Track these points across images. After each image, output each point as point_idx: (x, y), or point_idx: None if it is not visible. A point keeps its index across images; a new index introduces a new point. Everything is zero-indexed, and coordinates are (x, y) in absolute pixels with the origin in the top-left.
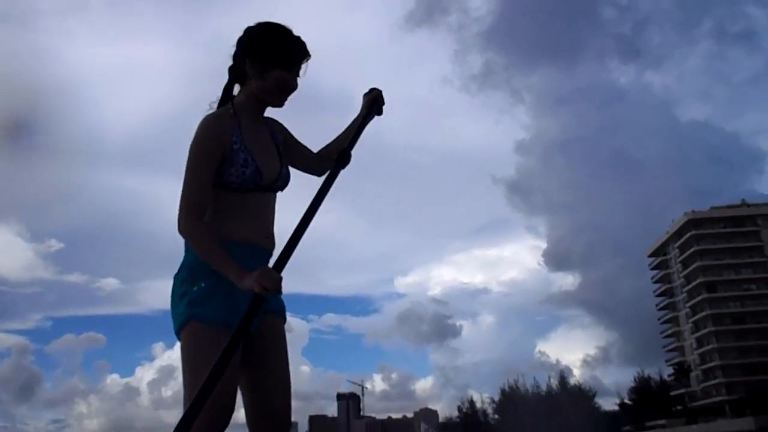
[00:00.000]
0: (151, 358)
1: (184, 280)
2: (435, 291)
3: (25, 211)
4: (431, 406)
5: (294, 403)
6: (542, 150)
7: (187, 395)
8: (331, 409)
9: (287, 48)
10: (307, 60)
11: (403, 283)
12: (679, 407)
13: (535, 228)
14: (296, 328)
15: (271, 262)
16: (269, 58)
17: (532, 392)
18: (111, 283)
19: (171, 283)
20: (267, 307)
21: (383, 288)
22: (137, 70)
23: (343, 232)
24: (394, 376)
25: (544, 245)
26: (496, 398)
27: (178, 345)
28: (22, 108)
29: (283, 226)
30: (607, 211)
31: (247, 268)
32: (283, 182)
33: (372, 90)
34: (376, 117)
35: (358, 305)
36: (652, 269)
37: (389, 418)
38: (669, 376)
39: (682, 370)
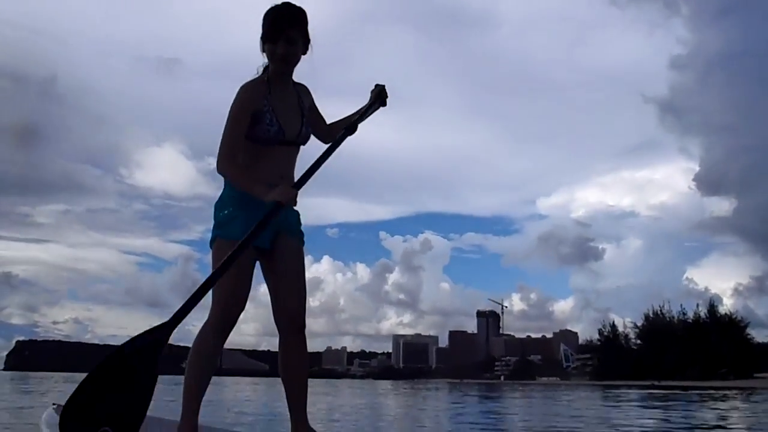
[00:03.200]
0: None
1: (217, 208)
2: (578, 213)
3: (185, 131)
4: (571, 328)
5: (434, 318)
6: (700, 66)
7: (213, 294)
8: (471, 326)
9: (268, 25)
10: (294, 26)
11: (546, 204)
12: None
13: (689, 150)
14: (437, 246)
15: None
16: (262, 36)
17: (678, 319)
18: None
19: (318, 201)
20: (280, 228)
21: (525, 209)
22: None
23: (486, 152)
24: (533, 296)
25: (697, 168)
26: (639, 323)
27: (325, 258)
28: (172, 35)
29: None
30: None
31: (264, 201)
32: (302, 139)
33: (377, 85)
34: (380, 108)
35: (499, 225)
36: None
37: (528, 337)
38: None
39: None
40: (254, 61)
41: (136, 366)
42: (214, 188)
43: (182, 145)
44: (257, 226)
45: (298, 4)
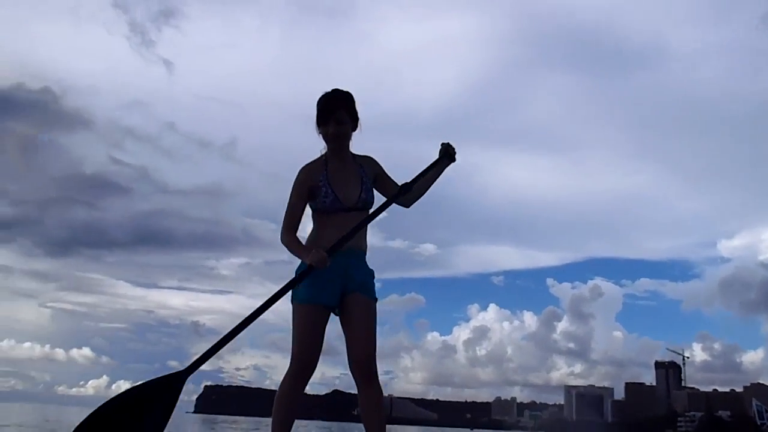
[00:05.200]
0: (467, 319)
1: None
2: (766, 255)
3: None
4: (763, 382)
5: (607, 369)
6: None
7: (292, 347)
8: (648, 377)
9: (320, 109)
10: (341, 108)
11: (728, 246)
12: None
13: None
14: (608, 292)
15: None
16: (316, 120)
17: None
18: (428, 248)
19: (483, 248)
20: (347, 288)
21: (704, 252)
22: (444, 43)
23: (657, 193)
24: (716, 346)
25: None
26: None
27: (491, 306)
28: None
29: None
30: None
31: (324, 267)
32: (363, 204)
33: (443, 144)
34: (450, 164)
35: (675, 270)
36: None
37: (714, 390)
38: None
39: None
40: (415, 116)
41: (154, 403)
42: (379, 239)
43: None
44: (288, 283)
45: (345, 89)
